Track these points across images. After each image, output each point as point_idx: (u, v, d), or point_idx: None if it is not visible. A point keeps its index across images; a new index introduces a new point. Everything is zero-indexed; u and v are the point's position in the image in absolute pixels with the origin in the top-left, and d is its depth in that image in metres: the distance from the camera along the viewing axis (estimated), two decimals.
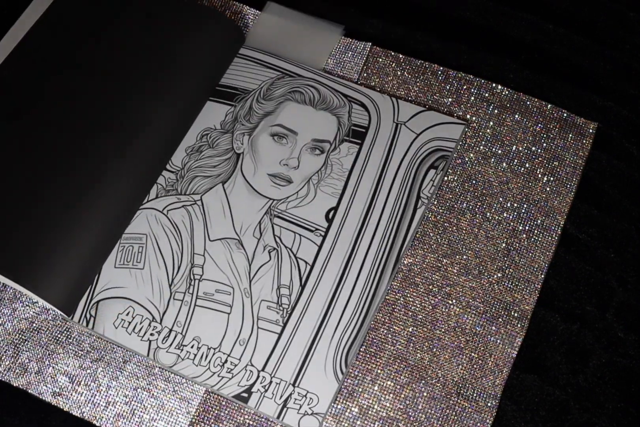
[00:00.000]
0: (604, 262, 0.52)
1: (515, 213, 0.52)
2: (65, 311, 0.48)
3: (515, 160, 0.54)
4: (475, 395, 0.48)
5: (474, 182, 0.53)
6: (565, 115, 0.55)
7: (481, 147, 0.54)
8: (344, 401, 0.48)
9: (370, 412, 0.48)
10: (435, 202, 0.52)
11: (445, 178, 0.53)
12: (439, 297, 0.50)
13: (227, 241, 0.51)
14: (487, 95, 0.55)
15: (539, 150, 0.54)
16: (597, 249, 0.52)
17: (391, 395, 0.48)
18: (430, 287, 0.50)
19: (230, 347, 0.48)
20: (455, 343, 0.49)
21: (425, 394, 0.48)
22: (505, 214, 0.52)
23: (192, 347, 0.48)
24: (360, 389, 0.48)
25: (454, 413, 0.48)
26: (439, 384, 0.48)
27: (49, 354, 0.49)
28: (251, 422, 0.48)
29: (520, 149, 0.54)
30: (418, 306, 0.50)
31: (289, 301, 0.49)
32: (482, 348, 0.49)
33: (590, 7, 0.59)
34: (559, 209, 0.52)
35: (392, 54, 0.57)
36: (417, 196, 0.52)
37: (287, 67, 0.56)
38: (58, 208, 0.48)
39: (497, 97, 0.55)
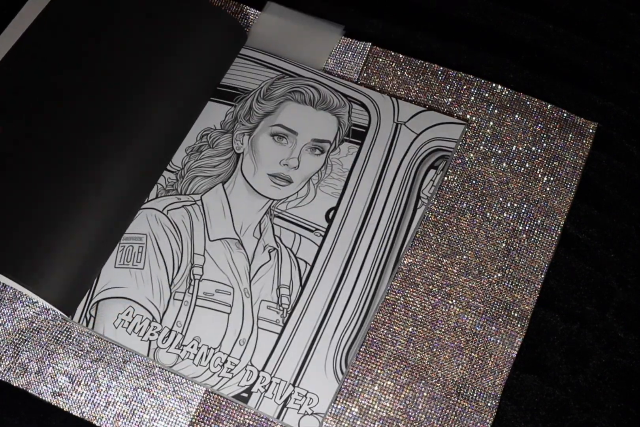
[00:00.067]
0: (604, 262, 0.52)
1: (515, 213, 0.52)
2: (65, 310, 0.48)
3: (515, 160, 0.54)
4: (475, 395, 0.48)
5: (474, 182, 0.53)
6: (565, 115, 0.55)
7: (481, 147, 0.54)
8: (344, 401, 0.48)
9: (370, 412, 0.48)
10: (435, 202, 0.52)
11: (445, 178, 0.53)
12: (439, 297, 0.50)
13: (227, 241, 0.51)
14: (487, 95, 0.55)
15: (539, 150, 0.54)
16: (597, 249, 0.52)
17: (391, 395, 0.48)
18: (430, 287, 0.50)
19: (230, 347, 0.48)
20: (455, 343, 0.49)
21: (425, 394, 0.48)
22: (505, 214, 0.52)
23: (192, 347, 0.48)
24: (360, 389, 0.48)
25: (454, 413, 0.48)
26: (439, 384, 0.48)
27: (49, 354, 0.49)
28: (251, 422, 0.48)
29: (520, 149, 0.54)
30: (418, 306, 0.50)
31: (289, 301, 0.49)
32: (482, 348, 0.49)
33: (590, 7, 0.59)
34: (559, 209, 0.52)
35: (392, 54, 0.57)
36: (417, 196, 0.52)
37: (287, 67, 0.56)
38: (58, 208, 0.48)
39: (497, 97, 0.55)
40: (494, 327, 0.50)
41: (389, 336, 0.49)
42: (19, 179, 0.48)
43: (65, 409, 0.48)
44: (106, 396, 0.49)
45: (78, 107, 0.50)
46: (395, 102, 0.54)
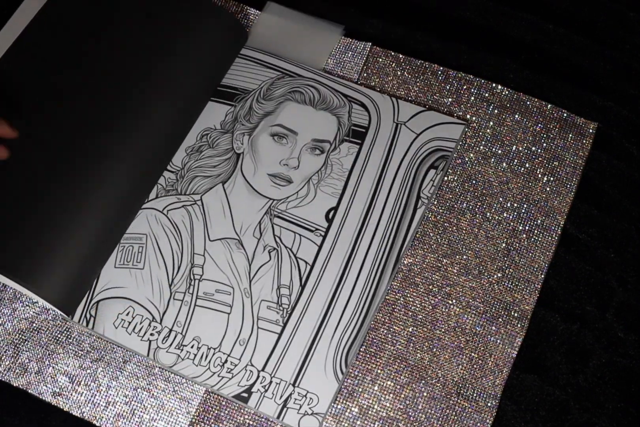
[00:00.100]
0: (604, 262, 0.52)
1: (515, 213, 0.52)
2: (65, 310, 0.48)
3: (515, 160, 0.54)
4: (475, 395, 0.48)
5: (474, 182, 0.53)
6: (565, 115, 0.55)
7: (481, 147, 0.54)
8: (344, 401, 0.48)
9: (370, 412, 0.48)
10: (435, 202, 0.52)
11: (445, 178, 0.53)
12: (439, 297, 0.50)
13: (227, 241, 0.51)
14: (487, 95, 0.55)
15: (539, 150, 0.54)
16: (597, 249, 0.52)
17: (391, 395, 0.48)
18: (430, 287, 0.50)
19: (230, 347, 0.48)
20: (455, 343, 0.49)
21: (425, 394, 0.48)
22: (505, 214, 0.52)
23: (192, 347, 0.48)
24: (360, 389, 0.48)
25: (454, 413, 0.48)
26: (439, 384, 0.48)
27: (49, 354, 0.49)
28: (251, 422, 0.48)
29: (520, 149, 0.54)
30: (418, 306, 0.50)
31: (289, 301, 0.49)
32: (482, 348, 0.49)
33: (590, 7, 0.59)
34: (559, 209, 0.52)
35: (392, 54, 0.57)
36: (417, 196, 0.52)
37: (287, 67, 0.56)
38: (58, 208, 0.48)
39: (497, 97, 0.55)
40: (494, 327, 0.50)
41: (389, 336, 0.49)
42: (19, 179, 0.48)
43: (65, 409, 0.48)
44: (106, 396, 0.49)
45: (78, 107, 0.50)
46: (395, 102, 0.54)
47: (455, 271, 0.51)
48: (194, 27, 0.53)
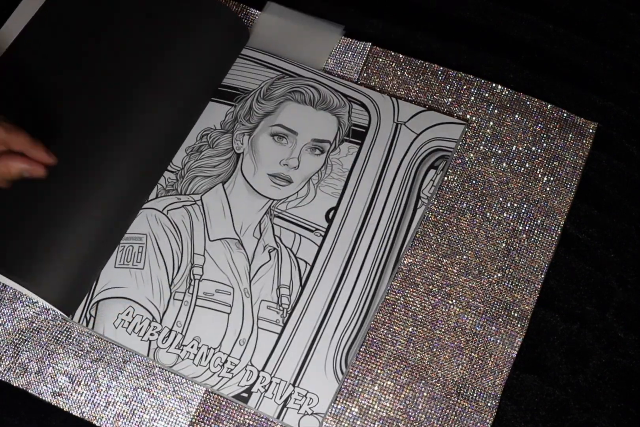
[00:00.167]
0: (604, 262, 0.52)
1: (515, 213, 0.52)
2: (65, 310, 0.48)
3: (515, 160, 0.54)
4: (475, 395, 0.48)
5: (474, 182, 0.53)
6: (565, 115, 0.55)
7: (481, 147, 0.54)
8: (344, 401, 0.48)
9: (370, 412, 0.48)
10: (435, 202, 0.52)
11: (445, 178, 0.53)
12: (439, 297, 0.50)
13: (227, 241, 0.51)
14: (487, 95, 0.55)
15: (539, 150, 0.54)
16: (597, 249, 0.52)
17: (391, 395, 0.48)
18: (430, 287, 0.50)
19: (230, 347, 0.48)
20: (455, 343, 0.49)
21: (425, 394, 0.48)
22: (505, 214, 0.52)
23: (192, 347, 0.48)
24: (360, 389, 0.48)
25: (454, 413, 0.48)
26: (439, 384, 0.48)
27: (49, 354, 0.49)
28: (251, 422, 0.48)
29: (520, 149, 0.54)
30: (418, 306, 0.50)
31: (289, 301, 0.49)
32: (482, 348, 0.49)
33: (590, 7, 0.59)
34: (559, 209, 0.52)
35: (392, 54, 0.57)
36: (417, 196, 0.52)
37: (287, 67, 0.56)
38: (58, 208, 0.48)
39: (497, 97, 0.55)
40: (494, 327, 0.50)
41: (389, 336, 0.49)
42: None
43: (65, 409, 0.48)
44: (106, 396, 0.49)
45: (78, 107, 0.50)
46: (395, 102, 0.54)
47: (455, 271, 0.51)
48: (195, 26, 0.53)
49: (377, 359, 0.49)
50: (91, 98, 0.50)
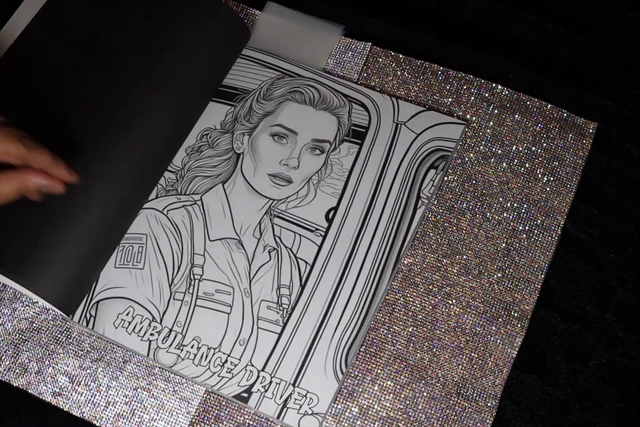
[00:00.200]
0: (604, 262, 0.52)
1: (515, 213, 0.52)
2: (65, 310, 0.48)
3: (515, 160, 0.54)
4: (475, 395, 0.48)
5: (474, 182, 0.53)
6: (565, 115, 0.55)
7: (481, 147, 0.54)
8: (344, 401, 0.48)
9: (370, 412, 0.48)
10: (435, 202, 0.52)
11: (445, 178, 0.53)
12: (439, 297, 0.50)
13: (227, 241, 0.51)
14: (487, 95, 0.55)
15: (539, 150, 0.54)
16: (597, 249, 0.52)
17: (391, 395, 0.48)
18: (430, 287, 0.50)
19: (230, 347, 0.48)
20: (455, 343, 0.49)
21: (425, 394, 0.48)
22: (505, 214, 0.52)
23: (192, 347, 0.48)
24: (360, 389, 0.48)
25: (454, 413, 0.48)
26: (439, 384, 0.48)
27: (49, 354, 0.49)
28: (251, 422, 0.48)
29: (520, 149, 0.54)
30: (418, 306, 0.50)
31: (289, 301, 0.49)
32: (482, 348, 0.49)
33: (590, 7, 0.59)
34: (559, 209, 0.52)
35: (392, 54, 0.57)
36: (417, 196, 0.52)
37: (287, 67, 0.56)
38: (58, 207, 0.48)
39: (497, 97, 0.55)
40: (494, 327, 0.50)
41: (389, 336, 0.49)
42: None
43: (65, 409, 0.48)
44: (106, 396, 0.49)
45: (78, 107, 0.50)
46: (395, 102, 0.54)
47: (455, 271, 0.51)
48: (195, 26, 0.53)
49: (377, 359, 0.49)
50: (91, 98, 0.50)
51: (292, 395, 0.47)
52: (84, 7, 0.53)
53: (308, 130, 0.54)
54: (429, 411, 0.48)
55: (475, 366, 0.49)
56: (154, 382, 0.49)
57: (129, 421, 0.48)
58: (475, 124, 0.55)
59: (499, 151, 0.54)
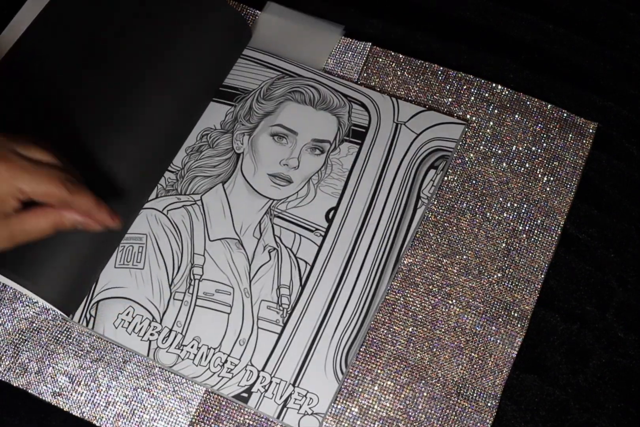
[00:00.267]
0: (604, 262, 0.52)
1: (515, 213, 0.52)
2: (65, 310, 0.48)
3: (515, 160, 0.54)
4: (475, 395, 0.48)
5: (474, 182, 0.53)
6: (565, 115, 0.55)
7: (481, 147, 0.54)
8: (344, 401, 0.48)
9: (370, 412, 0.48)
10: (435, 202, 0.52)
11: (445, 178, 0.53)
12: (439, 297, 0.50)
13: (227, 241, 0.51)
14: (487, 95, 0.55)
15: (539, 150, 0.54)
16: (597, 249, 0.52)
17: (391, 395, 0.48)
18: (430, 287, 0.50)
19: (230, 347, 0.48)
20: (455, 343, 0.49)
21: (425, 394, 0.48)
22: (505, 214, 0.52)
23: (192, 347, 0.48)
24: (360, 389, 0.48)
25: (454, 413, 0.48)
26: (439, 384, 0.48)
27: (49, 354, 0.49)
28: (251, 422, 0.48)
29: (520, 149, 0.54)
30: (418, 306, 0.50)
31: (289, 301, 0.49)
32: (482, 348, 0.49)
33: (590, 7, 0.59)
34: (559, 209, 0.52)
35: (392, 54, 0.57)
36: (417, 196, 0.52)
37: (287, 67, 0.56)
38: None
39: (497, 97, 0.55)
40: (494, 327, 0.50)
41: (389, 336, 0.49)
42: None
43: (65, 409, 0.48)
44: (106, 396, 0.49)
45: (79, 107, 0.50)
46: (395, 102, 0.54)
47: (455, 271, 0.51)
48: (197, 26, 0.53)
49: (377, 359, 0.49)
50: (92, 98, 0.50)
51: (292, 395, 0.47)
52: (85, 8, 0.53)
53: (308, 130, 0.54)
54: (429, 411, 0.48)
55: (475, 366, 0.49)
56: (154, 382, 0.49)
57: (129, 421, 0.48)
58: (475, 124, 0.55)
59: (499, 151, 0.54)
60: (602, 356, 0.50)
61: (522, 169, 0.53)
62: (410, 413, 0.48)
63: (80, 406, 0.48)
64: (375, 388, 0.48)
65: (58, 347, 0.50)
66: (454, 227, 0.52)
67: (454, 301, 0.50)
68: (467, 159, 0.54)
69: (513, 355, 0.49)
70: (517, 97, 0.55)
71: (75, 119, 0.50)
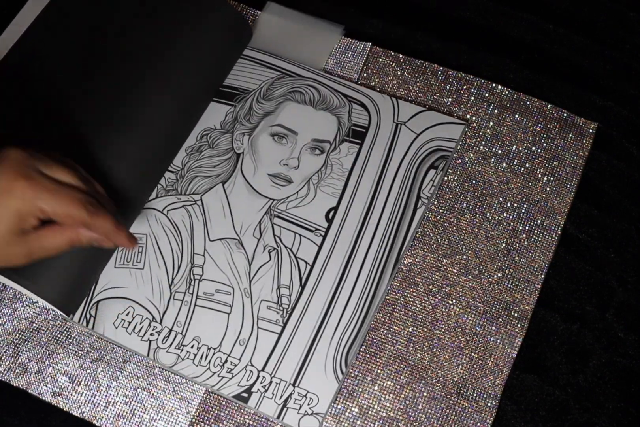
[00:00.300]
0: (604, 262, 0.52)
1: (515, 213, 0.52)
2: (65, 310, 0.48)
3: (515, 160, 0.54)
4: (475, 395, 0.48)
5: (474, 182, 0.53)
6: (565, 115, 0.55)
7: (481, 147, 0.54)
8: (344, 401, 0.48)
9: (370, 412, 0.48)
10: (435, 202, 0.52)
11: (445, 178, 0.53)
12: (439, 297, 0.50)
13: (227, 241, 0.51)
14: (487, 95, 0.55)
15: (539, 150, 0.54)
16: (597, 249, 0.52)
17: (391, 395, 0.48)
18: (430, 287, 0.50)
19: (230, 347, 0.48)
20: (455, 343, 0.49)
21: (425, 394, 0.48)
22: (505, 214, 0.52)
23: (192, 347, 0.48)
24: (360, 389, 0.48)
25: (454, 413, 0.48)
26: (439, 384, 0.48)
27: (49, 354, 0.49)
28: (251, 422, 0.48)
29: (520, 149, 0.54)
30: (418, 306, 0.50)
31: (289, 301, 0.49)
32: (482, 348, 0.49)
33: (590, 7, 0.59)
34: (559, 209, 0.52)
35: (392, 54, 0.57)
36: (417, 196, 0.52)
37: (287, 67, 0.56)
38: None
39: (497, 97, 0.55)
40: (494, 327, 0.50)
41: (389, 336, 0.49)
42: None
43: (65, 409, 0.48)
44: (106, 396, 0.49)
45: (79, 108, 0.50)
46: (395, 102, 0.54)
47: (455, 271, 0.51)
48: (197, 25, 0.53)
49: (377, 359, 0.49)
50: (92, 98, 0.50)
51: (292, 395, 0.47)
52: (85, 8, 0.53)
53: (308, 130, 0.54)
54: (429, 411, 0.48)
55: (475, 366, 0.49)
56: (154, 382, 0.49)
57: (129, 421, 0.48)
58: (475, 124, 0.55)
59: (499, 151, 0.54)
60: (602, 356, 0.50)
61: (522, 169, 0.53)
62: (410, 413, 0.48)
63: (80, 406, 0.48)
64: (375, 388, 0.48)
65: (58, 347, 0.50)
66: (454, 227, 0.52)
67: (454, 301, 0.50)
68: (467, 159, 0.54)
69: (513, 355, 0.49)
70: (517, 97, 0.55)
71: (75, 119, 0.50)
